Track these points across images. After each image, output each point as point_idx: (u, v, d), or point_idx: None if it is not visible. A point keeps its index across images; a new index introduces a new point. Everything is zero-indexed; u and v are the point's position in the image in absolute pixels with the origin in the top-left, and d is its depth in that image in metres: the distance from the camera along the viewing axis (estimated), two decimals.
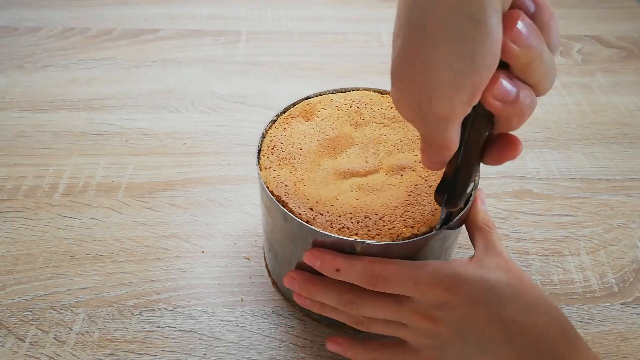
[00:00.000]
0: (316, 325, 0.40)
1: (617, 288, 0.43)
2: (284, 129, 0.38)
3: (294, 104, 0.40)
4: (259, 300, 0.42)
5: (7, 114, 0.58)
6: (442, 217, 0.31)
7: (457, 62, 0.21)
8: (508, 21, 0.21)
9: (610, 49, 0.73)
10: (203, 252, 0.45)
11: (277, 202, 0.33)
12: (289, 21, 0.77)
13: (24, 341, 0.38)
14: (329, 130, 0.38)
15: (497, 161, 0.27)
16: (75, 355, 0.38)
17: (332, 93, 0.41)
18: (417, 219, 0.32)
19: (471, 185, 0.30)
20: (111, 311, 0.40)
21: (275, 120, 0.39)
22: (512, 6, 0.22)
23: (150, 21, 0.75)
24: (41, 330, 0.39)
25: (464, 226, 0.36)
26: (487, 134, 0.26)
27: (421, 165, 0.35)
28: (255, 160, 0.36)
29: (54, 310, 0.40)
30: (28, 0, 0.79)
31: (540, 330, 0.29)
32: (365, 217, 0.32)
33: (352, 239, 0.30)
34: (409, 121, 0.26)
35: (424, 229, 0.32)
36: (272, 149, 0.36)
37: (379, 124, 0.39)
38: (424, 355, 0.32)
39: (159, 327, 0.40)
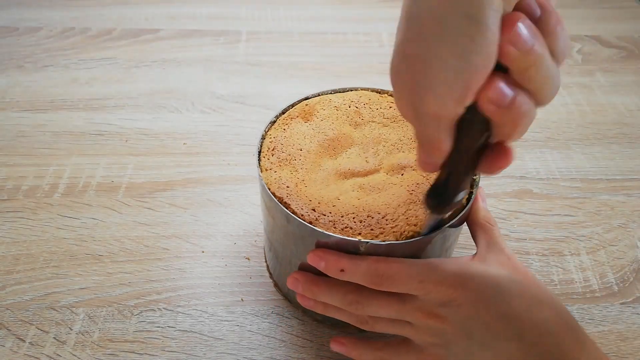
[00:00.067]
0: (316, 325, 0.40)
1: (617, 288, 0.43)
2: (284, 130, 0.38)
3: (292, 105, 0.40)
4: (259, 300, 0.42)
5: (7, 114, 0.58)
6: (430, 223, 0.31)
7: (451, 59, 0.21)
8: (508, 22, 0.21)
9: (610, 49, 0.73)
10: (203, 252, 0.45)
11: (279, 204, 0.33)
12: (289, 21, 0.77)
13: (24, 341, 0.38)
14: (329, 130, 0.38)
15: (490, 169, 0.26)
16: (75, 355, 0.38)
17: (331, 93, 0.41)
18: (420, 217, 0.32)
19: (462, 193, 0.29)
20: (111, 311, 0.40)
21: (274, 122, 0.39)
22: (519, 9, 0.22)
23: (150, 21, 0.75)
24: (41, 330, 0.39)
25: (464, 225, 0.36)
26: (482, 141, 0.25)
27: None
28: (256, 162, 0.36)
29: (54, 310, 0.40)
30: (28, 0, 0.79)
31: (545, 326, 0.29)
32: (367, 216, 0.32)
33: (356, 239, 0.30)
34: (405, 117, 0.26)
35: None
36: (272, 150, 0.36)
37: (379, 123, 0.39)
38: (429, 354, 0.32)
39: (159, 327, 0.40)
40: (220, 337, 0.39)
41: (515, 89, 0.22)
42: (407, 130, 0.38)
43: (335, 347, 0.35)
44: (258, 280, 0.43)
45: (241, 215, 0.48)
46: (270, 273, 0.43)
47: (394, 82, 0.25)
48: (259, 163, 0.36)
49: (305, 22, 0.77)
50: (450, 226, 0.32)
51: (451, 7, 0.20)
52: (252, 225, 0.47)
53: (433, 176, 0.35)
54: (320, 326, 0.40)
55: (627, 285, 0.43)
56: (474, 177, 0.34)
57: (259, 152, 0.37)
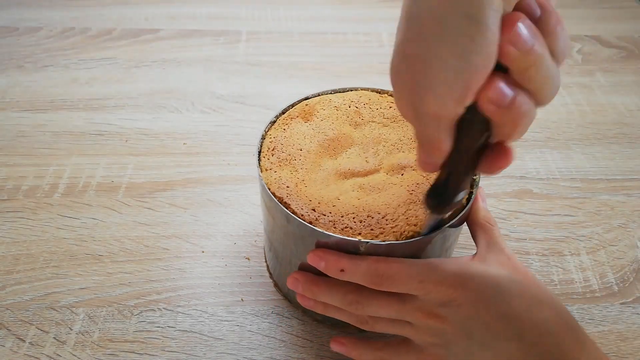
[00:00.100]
0: (316, 325, 0.40)
1: (617, 288, 0.43)
2: (284, 130, 0.38)
3: (292, 105, 0.40)
4: (259, 300, 0.42)
5: (7, 114, 0.58)
6: (430, 223, 0.31)
7: (451, 59, 0.21)
8: (508, 22, 0.21)
9: (610, 49, 0.73)
10: (203, 252, 0.45)
11: (279, 204, 0.33)
12: (289, 21, 0.77)
13: (24, 341, 0.38)
14: (329, 130, 0.38)
15: (490, 169, 0.26)
16: (75, 355, 0.38)
17: (331, 93, 0.41)
18: (420, 217, 0.32)
19: (462, 193, 0.29)
20: (111, 311, 0.40)
21: (274, 122, 0.39)
22: (519, 9, 0.22)
23: (150, 21, 0.75)
24: (41, 330, 0.39)
25: (464, 225, 0.36)
26: (482, 141, 0.25)
27: None
28: (256, 162, 0.36)
29: (54, 310, 0.40)
30: (28, 0, 0.79)
31: (545, 326, 0.29)
32: (368, 216, 0.32)
33: (356, 239, 0.30)
34: (405, 117, 0.26)
35: None
36: (272, 150, 0.36)
37: (378, 123, 0.39)
38: (429, 354, 0.32)
39: (159, 327, 0.40)
40: (220, 337, 0.39)
41: (515, 89, 0.22)
42: (407, 130, 0.38)
43: (335, 347, 0.35)
44: (258, 280, 0.43)
45: (241, 215, 0.48)
46: (270, 273, 0.43)
47: (394, 82, 0.25)
48: (259, 163, 0.36)
49: (305, 22, 0.77)
50: (450, 226, 0.32)
51: (451, 7, 0.20)
52: (252, 225, 0.47)
53: (433, 176, 0.35)
54: (320, 326, 0.40)
55: (627, 285, 0.43)
56: (474, 177, 0.34)
57: (259, 152, 0.37)
